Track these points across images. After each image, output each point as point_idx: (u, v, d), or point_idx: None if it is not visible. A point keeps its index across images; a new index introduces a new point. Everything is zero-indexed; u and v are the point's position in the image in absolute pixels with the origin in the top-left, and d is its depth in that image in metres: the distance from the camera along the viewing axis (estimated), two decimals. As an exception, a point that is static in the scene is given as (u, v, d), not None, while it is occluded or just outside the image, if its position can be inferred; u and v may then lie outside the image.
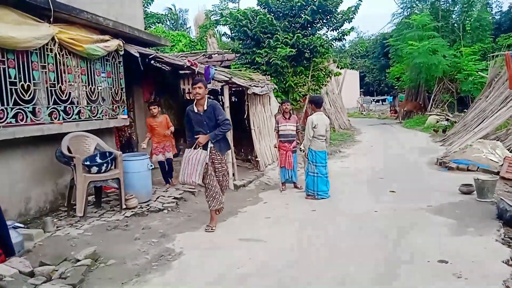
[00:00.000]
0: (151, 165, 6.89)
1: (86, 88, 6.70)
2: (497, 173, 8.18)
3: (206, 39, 20.59)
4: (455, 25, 25.14)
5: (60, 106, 6.07)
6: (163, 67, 9.78)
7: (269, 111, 10.45)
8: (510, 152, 10.02)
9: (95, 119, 6.86)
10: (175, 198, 7.06)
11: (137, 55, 7.37)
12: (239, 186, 8.03)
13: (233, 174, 8.15)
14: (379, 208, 6.24)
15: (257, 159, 9.48)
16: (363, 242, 4.84)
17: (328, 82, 15.55)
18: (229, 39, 15.20)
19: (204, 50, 17.25)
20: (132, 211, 6.16)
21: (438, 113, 20.82)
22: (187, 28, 38.08)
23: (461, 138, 12.45)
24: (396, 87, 32.92)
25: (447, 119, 19.35)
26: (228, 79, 7.83)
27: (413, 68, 23.16)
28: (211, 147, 5.33)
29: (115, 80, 7.41)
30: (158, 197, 7.08)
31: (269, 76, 12.72)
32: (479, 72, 18.70)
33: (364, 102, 40.56)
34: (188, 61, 7.77)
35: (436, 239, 4.79)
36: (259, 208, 6.70)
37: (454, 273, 3.84)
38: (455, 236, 4.86)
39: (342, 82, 23.34)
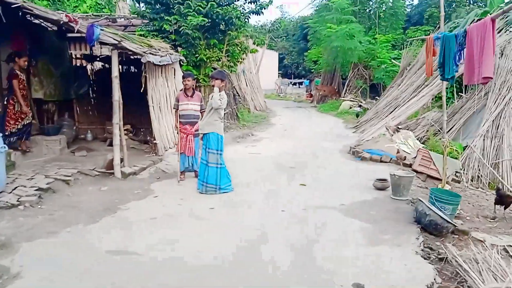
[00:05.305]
0: (4, 146, 5.30)
1: None
2: (410, 166, 7.83)
3: (115, 2, 18.38)
4: (371, 11, 25.47)
5: None
6: (45, 25, 7.98)
7: (174, 85, 9.10)
8: (419, 141, 9.88)
9: None
10: (39, 189, 5.58)
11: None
12: (128, 174, 6.70)
13: (122, 160, 6.79)
14: (286, 207, 5.38)
15: (155, 141, 8.15)
16: (262, 257, 3.87)
17: (244, 59, 14.47)
18: (136, 1, 13.38)
19: (110, 14, 15.19)
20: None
21: (352, 99, 20.92)
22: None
23: (373, 126, 12.24)
24: (313, 71, 33.02)
25: (360, 105, 19.47)
26: (117, 42, 6.36)
27: (330, 51, 22.96)
28: None
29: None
30: (16, 188, 5.56)
31: (179, 48, 11.36)
32: (392, 60, 18.92)
33: (282, 84, 40.34)
34: (66, 16, 6.17)
35: (349, 250, 4.01)
36: (146, 204, 5.47)
37: (371, 303, 3.05)
38: (371, 247, 4.11)
39: (260, 62, 22.46)
